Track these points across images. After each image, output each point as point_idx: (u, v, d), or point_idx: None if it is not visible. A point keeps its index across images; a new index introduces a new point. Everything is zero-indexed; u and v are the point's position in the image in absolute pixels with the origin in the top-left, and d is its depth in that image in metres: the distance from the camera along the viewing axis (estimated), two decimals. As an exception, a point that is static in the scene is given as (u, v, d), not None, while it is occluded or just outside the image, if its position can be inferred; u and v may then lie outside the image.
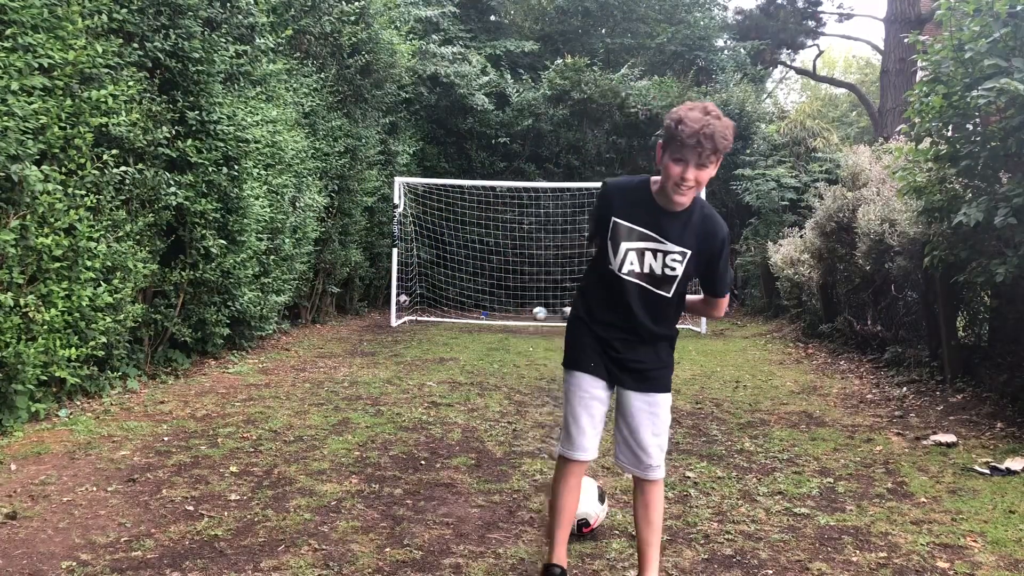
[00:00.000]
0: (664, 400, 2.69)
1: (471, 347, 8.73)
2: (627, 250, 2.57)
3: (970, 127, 5.24)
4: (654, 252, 2.57)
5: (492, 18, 18.53)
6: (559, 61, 14.10)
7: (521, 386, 6.41)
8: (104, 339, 5.36)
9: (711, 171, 2.45)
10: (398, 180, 11.29)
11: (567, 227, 12.98)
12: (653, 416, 2.67)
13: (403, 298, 12.01)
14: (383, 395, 5.97)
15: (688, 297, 2.74)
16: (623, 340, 2.66)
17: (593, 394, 2.68)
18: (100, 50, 5.21)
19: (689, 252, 2.57)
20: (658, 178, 2.54)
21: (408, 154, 12.53)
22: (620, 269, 2.59)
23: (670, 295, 2.63)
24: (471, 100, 13.34)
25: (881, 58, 20.58)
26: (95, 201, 5.26)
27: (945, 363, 6.22)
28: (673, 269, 2.58)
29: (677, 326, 2.77)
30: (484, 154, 13.92)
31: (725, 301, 2.77)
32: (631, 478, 4.05)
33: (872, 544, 3.22)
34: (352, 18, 9.70)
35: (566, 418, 2.71)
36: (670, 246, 2.56)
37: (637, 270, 2.59)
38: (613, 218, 2.57)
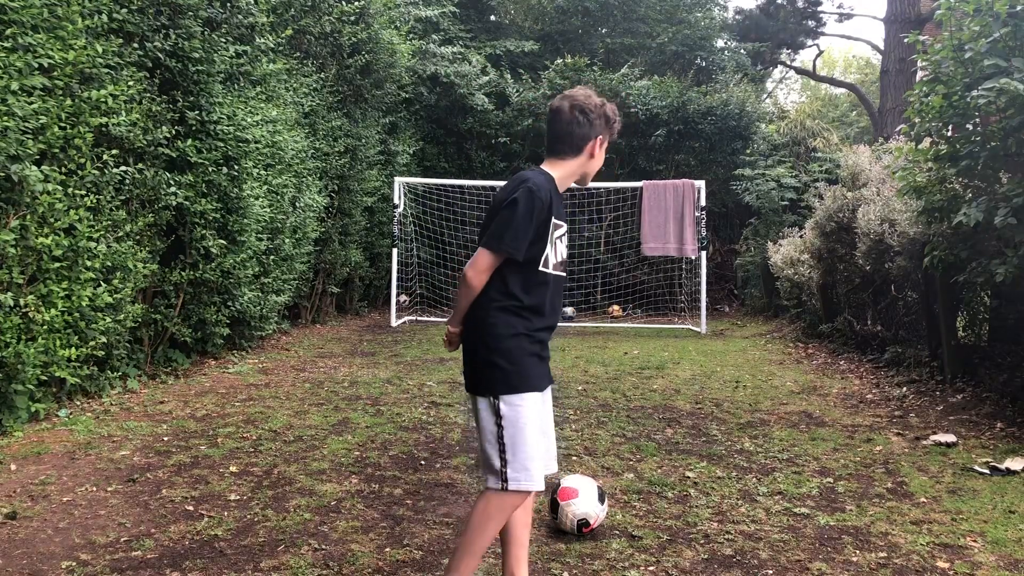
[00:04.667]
0: None
1: (471, 347, 8.72)
2: (553, 244, 2.58)
3: (970, 127, 5.23)
4: (561, 238, 2.62)
5: (492, 18, 18.53)
6: (559, 61, 14.09)
7: (521, 386, 6.41)
8: (104, 339, 5.36)
9: None
10: (398, 180, 11.29)
11: (567, 227, 12.95)
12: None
13: (403, 298, 12.00)
14: (383, 395, 5.97)
15: None
16: (549, 339, 2.65)
17: (550, 409, 2.67)
18: (100, 50, 5.21)
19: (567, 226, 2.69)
20: (560, 173, 2.60)
21: (408, 154, 12.53)
22: (549, 266, 2.57)
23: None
24: (471, 100, 13.34)
25: (881, 58, 20.56)
26: (95, 201, 5.27)
27: (945, 363, 6.22)
28: (569, 247, 2.65)
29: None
30: (484, 154, 13.92)
31: None
32: (632, 477, 4.06)
33: (872, 544, 3.22)
34: (352, 18, 9.70)
35: (533, 449, 2.48)
36: (565, 227, 2.66)
37: (556, 260, 2.60)
38: (553, 219, 2.54)
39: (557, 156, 2.60)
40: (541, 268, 2.53)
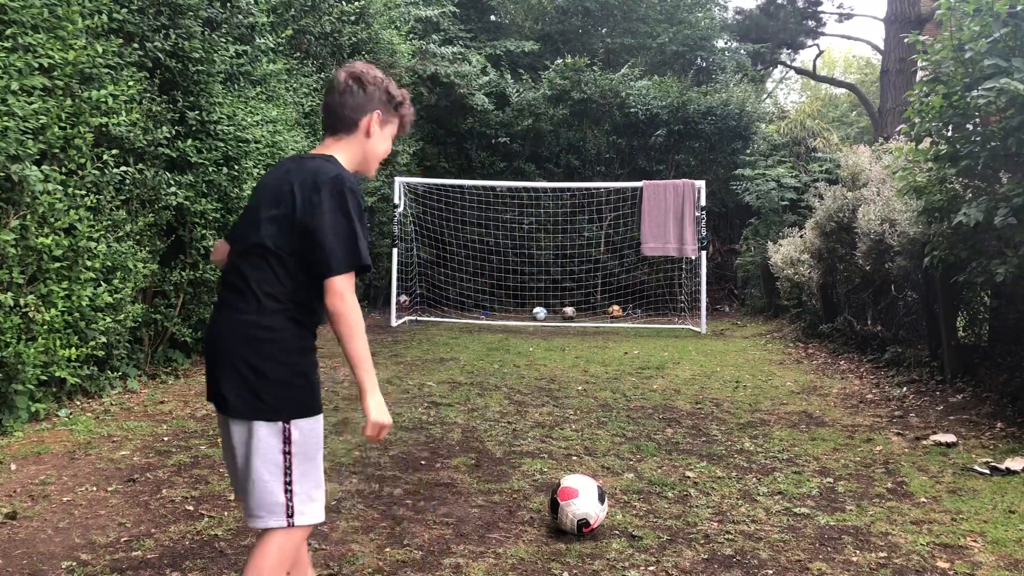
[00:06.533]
0: None
1: (471, 347, 8.73)
2: None
3: (970, 127, 5.23)
4: None
5: (492, 18, 18.53)
6: (559, 61, 14.09)
7: (521, 386, 6.42)
8: (104, 339, 5.36)
9: None
10: (398, 180, 11.28)
11: (567, 227, 12.97)
12: None
13: (403, 298, 12.00)
14: (383, 395, 5.96)
15: None
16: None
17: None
18: (100, 50, 5.21)
19: None
20: (343, 157, 2.24)
21: (408, 154, 12.53)
22: None
23: None
24: (471, 100, 13.34)
25: (881, 58, 20.56)
26: (95, 201, 5.27)
27: (945, 363, 6.22)
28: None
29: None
30: (484, 154, 13.92)
31: None
32: (632, 477, 4.07)
33: (872, 544, 3.22)
34: (352, 18, 9.70)
35: (319, 476, 2.21)
36: None
37: None
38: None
39: (333, 135, 2.27)
40: None
